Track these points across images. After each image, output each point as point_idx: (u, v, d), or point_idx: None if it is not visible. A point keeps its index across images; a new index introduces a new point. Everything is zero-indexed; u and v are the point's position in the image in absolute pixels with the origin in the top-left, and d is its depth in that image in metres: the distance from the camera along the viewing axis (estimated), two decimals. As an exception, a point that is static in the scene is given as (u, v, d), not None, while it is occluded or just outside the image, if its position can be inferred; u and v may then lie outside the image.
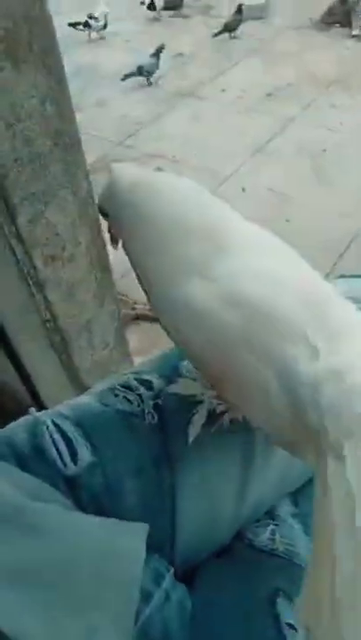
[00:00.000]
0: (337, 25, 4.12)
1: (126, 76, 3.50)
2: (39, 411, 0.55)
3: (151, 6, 4.38)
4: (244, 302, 0.39)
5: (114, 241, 0.52)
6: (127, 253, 0.47)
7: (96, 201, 1.04)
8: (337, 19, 4.13)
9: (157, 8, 4.41)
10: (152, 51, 3.51)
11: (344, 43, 3.90)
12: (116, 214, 0.47)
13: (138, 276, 0.46)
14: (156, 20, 4.49)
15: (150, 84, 3.57)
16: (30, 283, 1.02)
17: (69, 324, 1.10)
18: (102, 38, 4.15)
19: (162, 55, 3.51)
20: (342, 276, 0.71)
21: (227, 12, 4.31)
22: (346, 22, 4.08)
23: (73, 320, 1.11)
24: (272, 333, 0.38)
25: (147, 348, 1.70)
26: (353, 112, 3.10)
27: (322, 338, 0.37)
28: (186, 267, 0.41)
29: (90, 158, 3.21)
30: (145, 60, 3.50)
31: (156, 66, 3.51)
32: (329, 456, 0.34)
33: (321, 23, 4.17)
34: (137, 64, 3.47)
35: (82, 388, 1.18)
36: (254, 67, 3.62)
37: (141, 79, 3.54)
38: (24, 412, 0.56)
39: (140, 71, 3.48)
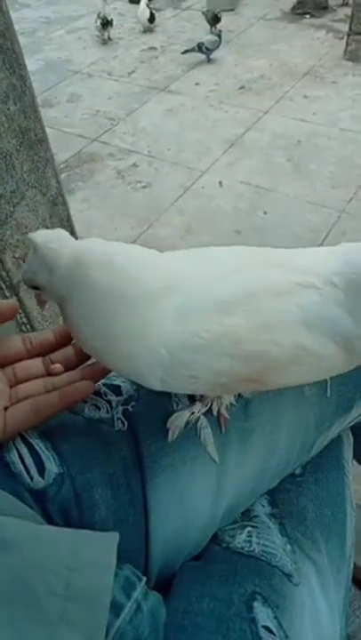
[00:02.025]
0: (307, 16, 4.13)
1: (186, 51, 3.55)
2: None
3: None
4: (238, 301, 0.41)
5: (41, 304, 0.49)
6: (66, 318, 0.45)
7: (66, 203, 1.03)
8: (307, 9, 4.14)
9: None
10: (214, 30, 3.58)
11: (315, 33, 3.91)
12: (53, 287, 0.43)
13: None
14: (123, 14, 4.44)
15: (210, 60, 3.58)
16: (3, 286, 1.00)
17: (46, 327, 1.08)
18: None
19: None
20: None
21: (199, 6, 4.30)
22: (316, 13, 4.09)
23: (49, 323, 1.09)
24: (280, 301, 0.41)
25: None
26: (325, 102, 3.11)
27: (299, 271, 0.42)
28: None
29: (65, 155, 3.19)
30: (206, 36, 3.53)
31: (218, 43, 3.50)
32: None
33: (292, 14, 4.17)
34: (198, 41, 3.53)
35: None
36: (226, 59, 3.61)
37: (202, 56, 3.57)
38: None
39: (200, 48, 3.50)
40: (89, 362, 0.51)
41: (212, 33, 3.57)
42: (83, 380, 0.48)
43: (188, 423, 0.50)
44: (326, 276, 0.42)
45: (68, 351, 0.51)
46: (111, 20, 3.88)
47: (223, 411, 0.51)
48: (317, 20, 4.08)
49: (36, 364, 0.50)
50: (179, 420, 0.50)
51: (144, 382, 0.43)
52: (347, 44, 3.47)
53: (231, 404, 0.52)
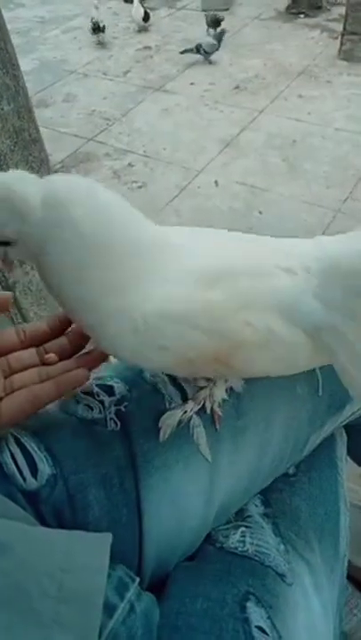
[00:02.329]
0: (302, 15, 4.13)
1: (185, 51, 3.57)
2: None
3: None
4: (220, 276, 0.41)
5: (8, 266, 0.46)
6: (49, 277, 0.41)
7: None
8: (302, 9, 4.14)
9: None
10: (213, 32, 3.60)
11: (309, 33, 3.92)
12: (25, 239, 0.39)
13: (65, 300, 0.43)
14: (117, 14, 4.44)
15: (210, 62, 3.59)
16: (-1, 287, 1.00)
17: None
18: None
19: (223, 39, 3.55)
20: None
21: (194, 5, 4.30)
22: (310, 12, 4.10)
23: (45, 322, 1.09)
24: (259, 282, 0.42)
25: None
26: (320, 102, 3.12)
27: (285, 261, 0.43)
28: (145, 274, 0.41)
29: (61, 155, 3.19)
30: (204, 39, 3.54)
31: (216, 47, 3.52)
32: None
33: (286, 14, 4.18)
34: (196, 42, 3.55)
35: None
36: (221, 59, 3.61)
37: (199, 57, 3.59)
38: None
39: (198, 49, 3.52)
40: (84, 350, 0.51)
41: (211, 35, 3.57)
42: (78, 369, 0.48)
43: (180, 422, 0.50)
44: (305, 263, 0.43)
45: (62, 341, 0.50)
46: (103, 26, 3.84)
47: (216, 408, 0.51)
48: (312, 19, 4.09)
49: (29, 355, 0.50)
50: (171, 419, 0.50)
51: (116, 350, 0.42)
52: (341, 44, 3.48)
53: (224, 400, 0.52)
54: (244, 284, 0.42)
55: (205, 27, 3.76)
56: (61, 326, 0.50)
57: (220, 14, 3.69)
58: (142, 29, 4.13)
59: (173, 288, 0.40)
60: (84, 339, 0.50)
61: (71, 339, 0.50)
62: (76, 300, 0.41)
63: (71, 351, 0.50)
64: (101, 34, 3.89)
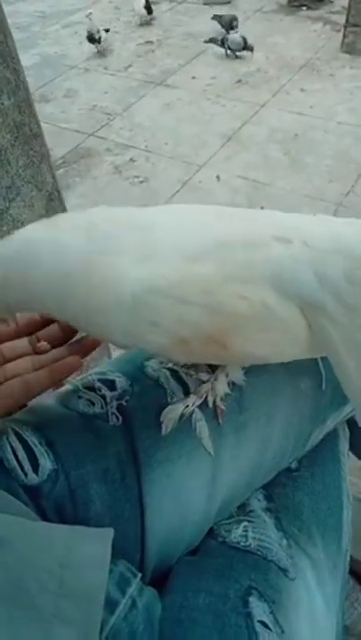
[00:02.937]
0: (304, 8, 4.10)
1: (210, 40, 3.53)
2: None
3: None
4: (210, 249, 0.41)
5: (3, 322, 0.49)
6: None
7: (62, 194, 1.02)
8: (304, 1, 4.11)
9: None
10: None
11: (312, 26, 3.89)
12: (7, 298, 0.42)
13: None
14: (119, 8, 4.41)
15: (228, 56, 3.56)
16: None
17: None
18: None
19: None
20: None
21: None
22: (313, 5, 4.07)
23: (46, 318, 1.09)
24: (253, 253, 0.41)
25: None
26: (322, 95, 3.10)
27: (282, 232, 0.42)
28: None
29: (62, 151, 3.19)
30: (232, 35, 3.50)
31: (242, 46, 3.46)
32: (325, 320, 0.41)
33: (288, 6, 4.15)
34: (224, 37, 3.50)
35: (60, 386, 1.16)
36: (223, 53, 3.59)
37: (221, 49, 3.55)
38: (10, 414, 0.55)
39: (223, 43, 3.48)
40: (76, 337, 0.51)
41: (238, 33, 3.52)
42: (70, 356, 0.48)
43: (182, 416, 0.50)
44: (303, 236, 0.42)
45: (54, 328, 0.50)
46: (99, 37, 3.69)
47: (219, 402, 0.51)
48: (314, 12, 4.06)
49: (22, 344, 0.50)
50: (172, 414, 0.50)
51: (107, 333, 0.42)
52: (344, 37, 3.46)
53: (227, 394, 0.51)
54: (237, 255, 0.41)
55: (209, 21, 3.74)
56: None
57: (232, 14, 3.64)
58: (144, 23, 4.11)
59: (161, 262, 0.40)
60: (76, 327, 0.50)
61: (63, 326, 0.50)
62: (61, 301, 0.42)
63: (63, 339, 0.50)
64: (97, 44, 3.73)
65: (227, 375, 0.51)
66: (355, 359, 0.42)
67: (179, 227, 0.42)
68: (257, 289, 0.40)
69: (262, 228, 0.43)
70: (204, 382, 0.52)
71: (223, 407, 0.51)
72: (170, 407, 0.50)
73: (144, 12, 4.03)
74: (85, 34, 3.71)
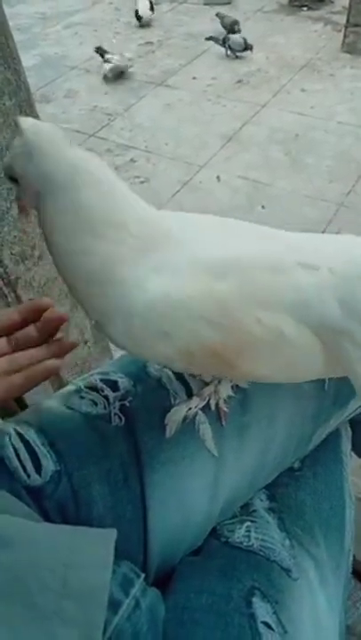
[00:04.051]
0: (305, 8, 4.10)
1: (211, 38, 3.51)
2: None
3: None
4: (231, 268, 0.40)
5: (23, 211, 0.46)
6: (45, 228, 0.42)
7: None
8: (305, 1, 4.11)
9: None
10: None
11: (312, 26, 3.89)
12: (35, 180, 0.40)
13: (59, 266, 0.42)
14: (119, 9, 4.41)
15: (228, 56, 3.54)
16: (1, 283, 1.00)
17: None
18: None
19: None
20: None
21: (194, -1, 4.27)
22: (313, 5, 4.06)
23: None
24: (275, 278, 0.40)
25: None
26: (323, 95, 3.09)
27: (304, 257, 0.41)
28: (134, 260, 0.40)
29: (60, 152, 3.14)
30: (233, 36, 3.49)
31: (243, 47, 3.45)
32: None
33: (289, 6, 4.14)
34: (225, 36, 3.50)
35: (62, 386, 1.16)
36: (223, 53, 3.59)
37: (222, 49, 3.54)
38: (11, 415, 0.55)
39: (225, 42, 3.47)
40: (57, 336, 0.51)
41: (239, 34, 3.52)
42: (50, 359, 0.47)
43: (185, 418, 0.50)
44: (329, 263, 0.41)
45: (31, 330, 0.50)
46: (122, 72, 3.42)
47: (222, 404, 0.51)
48: (315, 12, 4.05)
49: (0, 344, 0.49)
50: (176, 416, 0.50)
51: (106, 327, 0.41)
52: (344, 37, 3.45)
53: (229, 396, 0.51)
54: (259, 278, 0.40)
55: (210, 21, 3.72)
56: (33, 315, 0.50)
57: (237, 26, 3.62)
58: (145, 24, 4.09)
59: (180, 274, 0.39)
60: (54, 328, 0.49)
61: (40, 327, 0.50)
62: (68, 261, 0.41)
63: (41, 340, 0.50)
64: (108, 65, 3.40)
65: (231, 379, 0.51)
66: None
67: (204, 240, 0.42)
68: (275, 315, 0.40)
69: (286, 251, 0.42)
70: (207, 384, 0.52)
71: (226, 409, 0.51)
72: (174, 409, 0.50)
73: (150, 12, 4.01)
74: (85, 33, 3.68)
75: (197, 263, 0.40)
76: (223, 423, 0.51)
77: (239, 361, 0.41)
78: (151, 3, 3.99)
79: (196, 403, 0.50)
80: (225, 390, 0.51)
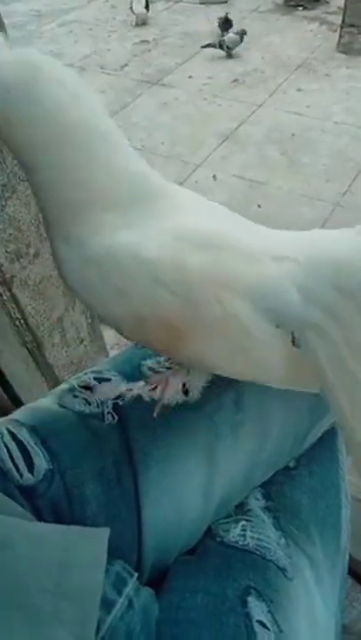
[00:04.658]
0: (300, 8, 4.10)
1: (207, 46, 3.52)
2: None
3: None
4: (200, 242, 0.40)
5: None
6: (19, 157, 0.39)
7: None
8: (300, 1, 4.11)
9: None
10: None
11: (308, 26, 3.89)
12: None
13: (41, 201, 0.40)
14: (115, 7, 4.41)
15: (231, 56, 3.55)
16: (-4, 281, 0.99)
17: (40, 322, 1.08)
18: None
19: (245, 38, 3.52)
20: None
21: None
22: (309, 5, 4.07)
23: (43, 317, 1.09)
24: (237, 262, 0.40)
25: (124, 340, 1.68)
26: (319, 95, 3.10)
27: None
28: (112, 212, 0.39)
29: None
30: (228, 34, 3.51)
31: (239, 42, 3.48)
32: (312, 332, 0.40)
33: (285, 6, 4.15)
34: (220, 39, 3.52)
35: (58, 384, 1.16)
36: (219, 52, 3.59)
37: (220, 52, 3.54)
38: (6, 413, 0.54)
39: (221, 45, 3.49)
40: None
41: (233, 32, 3.53)
42: None
43: (120, 396, 0.50)
44: (295, 254, 0.41)
45: None
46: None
47: (168, 395, 0.50)
48: (311, 12, 4.06)
49: None
50: (111, 391, 0.49)
51: (62, 265, 0.40)
52: (340, 37, 3.46)
53: (178, 393, 0.50)
54: (231, 260, 0.40)
55: (206, 20, 3.72)
56: None
57: (229, 15, 3.64)
58: (142, 23, 4.09)
59: (156, 235, 0.39)
60: None
61: None
62: (40, 186, 0.39)
63: None
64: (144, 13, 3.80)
65: (188, 372, 0.50)
66: (346, 387, 0.41)
67: (189, 212, 0.42)
68: (237, 300, 0.40)
69: (258, 241, 0.43)
70: (161, 373, 0.51)
71: (167, 402, 0.50)
72: (113, 384, 0.50)
73: (144, 11, 4.01)
74: (80, 31, 3.69)
75: (176, 230, 0.40)
76: (155, 415, 0.50)
77: (190, 337, 0.41)
78: (147, 1, 3.98)
79: (137, 387, 0.50)
80: (174, 386, 0.50)
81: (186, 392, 0.50)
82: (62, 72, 0.38)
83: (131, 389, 0.50)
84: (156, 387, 0.50)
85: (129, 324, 0.42)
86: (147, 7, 4.02)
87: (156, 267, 0.38)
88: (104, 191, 0.39)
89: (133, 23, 4.10)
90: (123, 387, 0.50)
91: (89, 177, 0.38)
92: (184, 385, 0.51)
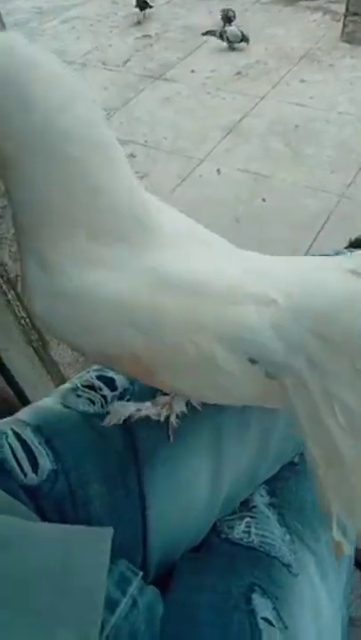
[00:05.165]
0: (303, -2, 4.06)
1: (207, 33, 3.51)
2: None
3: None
4: (179, 286, 0.38)
5: None
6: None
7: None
8: (303, -9, 4.07)
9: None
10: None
11: (311, 16, 3.85)
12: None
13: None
14: (116, 2, 4.38)
15: (233, 49, 3.53)
16: (0, 281, 1.00)
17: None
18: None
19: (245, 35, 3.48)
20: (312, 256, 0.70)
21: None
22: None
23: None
24: (216, 306, 0.38)
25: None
26: (323, 86, 3.07)
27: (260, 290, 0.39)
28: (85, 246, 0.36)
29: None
30: (230, 28, 3.48)
31: (240, 38, 3.45)
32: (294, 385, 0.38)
33: (287, -3, 4.11)
34: (221, 30, 3.49)
35: (64, 382, 1.16)
36: (221, 45, 3.56)
37: (221, 43, 3.52)
38: (13, 413, 0.54)
39: (222, 35, 3.46)
40: None
41: (236, 26, 3.51)
42: None
43: (129, 417, 0.49)
44: (274, 294, 0.38)
45: None
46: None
47: (173, 419, 0.50)
48: (313, 2, 4.01)
49: None
50: (120, 411, 0.49)
51: (27, 279, 0.38)
52: (344, 26, 3.42)
53: (183, 413, 0.50)
54: (205, 305, 0.38)
55: (207, 14, 3.69)
56: None
57: (231, 9, 3.60)
58: (137, 22, 4.01)
59: (135, 274, 0.36)
60: None
61: None
62: (18, 198, 0.36)
63: None
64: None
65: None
66: (321, 444, 0.39)
67: (179, 243, 0.40)
68: (213, 343, 0.38)
69: (242, 277, 0.40)
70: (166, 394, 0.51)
71: (175, 425, 0.50)
72: (122, 403, 0.49)
73: (136, 10, 3.92)
74: (83, 28, 3.66)
75: (157, 272, 0.37)
76: (172, 439, 0.50)
77: (160, 373, 0.40)
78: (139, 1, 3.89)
79: (145, 407, 0.50)
80: (178, 406, 0.50)
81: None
82: (51, 62, 0.35)
83: (140, 410, 0.50)
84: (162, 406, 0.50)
85: (96, 358, 0.41)
86: (142, 6, 3.92)
87: (131, 311, 0.37)
88: (93, 217, 0.36)
89: (135, 20, 4.06)
90: (132, 407, 0.49)
91: (79, 198, 0.35)
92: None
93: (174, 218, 0.43)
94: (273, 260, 0.42)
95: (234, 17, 3.57)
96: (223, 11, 3.62)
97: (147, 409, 0.50)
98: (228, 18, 3.56)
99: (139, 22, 3.98)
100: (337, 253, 0.66)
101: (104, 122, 0.36)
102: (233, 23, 3.54)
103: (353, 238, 0.71)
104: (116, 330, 0.37)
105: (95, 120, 0.35)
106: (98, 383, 0.53)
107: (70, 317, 0.38)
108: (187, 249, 0.40)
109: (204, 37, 3.57)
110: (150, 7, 3.94)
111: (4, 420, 0.50)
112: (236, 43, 3.47)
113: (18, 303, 1.09)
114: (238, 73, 3.30)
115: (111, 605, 0.38)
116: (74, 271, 0.36)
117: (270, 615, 0.44)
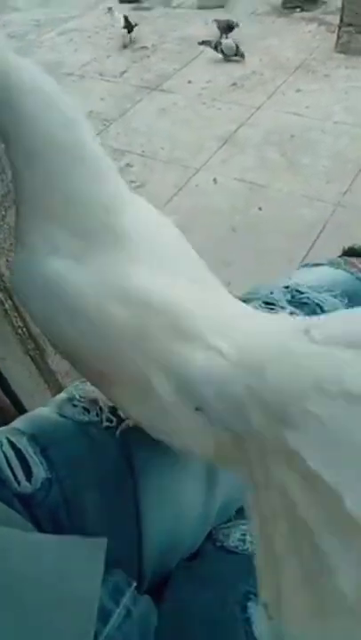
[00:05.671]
0: (298, 9, 4.11)
1: (203, 42, 3.55)
2: None
3: None
4: (137, 300, 0.37)
5: None
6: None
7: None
8: (298, 3, 4.12)
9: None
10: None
11: (306, 27, 3.90)
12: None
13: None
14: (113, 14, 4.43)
15: (229, 60, 3.55)
16: (-3, 290, 1.00)
17: (42, 330, 1.08)
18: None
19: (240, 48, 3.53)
20: (305, 265, 0.71)
21: (189, 3, 4.28)
22: (307, 6, 4.07)
23: (45, 325, 1.09)
24: (166, 334, 0.36)
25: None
26: (318, 96, 3.10)
27: (219, 335, 0.36)
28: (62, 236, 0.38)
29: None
30: (226, 41, 3.53)
31: (235, 52, 3.49)
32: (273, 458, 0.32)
33: (282, 8, 4.16)
34: (217, 41, 3.54)
35: (61, 391, 1.16)
36: (217, 56, 3.60)
37: (216, 54, 3.55)
38: (9, 422, 0.55)
39: (216, 47, 3.51)
40: None
41: (231, 38, 3.55)
42: None
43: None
44: (231, 346, 0.35)
45: None
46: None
47: None
48: (308, 13, 4.06)
49: None
50: None
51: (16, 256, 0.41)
52: (338, 37, 3.45)
53: None
54: (158, 332, 0.37)
55: (203, 25, 3.73)
56: None
57: (236, 22, 3.65)
58: (126, 44, 3.92)
59: (98, 275, 0.37)
60: None
61: None
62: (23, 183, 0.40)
63: None
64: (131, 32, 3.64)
65: None
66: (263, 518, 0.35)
67: (157, 261, 0.39)
68: (156, 373, 0.37)
69: (202, 314, 0.38)
70: None
71: None
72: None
73: (124, 31, 3.84)
74: (80, 40, 3.67)
75: (121, 281, 0.37)
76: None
77: (105, 385, 0.41)
78: (128, 22, 3.80)
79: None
80: None
81: None
82: (38, 77, 0.38)
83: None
84: None
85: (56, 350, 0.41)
86: (128, 27, 3.81)
87: (75, 310, 0.37)
88: (82, 218, 0.38)
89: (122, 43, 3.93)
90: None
91: (56, 196, 0.38)
92: None
93: (160, 233, 0.43)
94: (239, 307, 0.41)
95: (237, 25, 3.62)
96: (221, 21, 3.66)
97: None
98: (229, 27, 3.59)
99: (125, 46, 3.91)
100: (331, 262, 0.67)
101: (83, 126, 0.41)
102: (228, 35, 3.58)
103: (347, 247, 0.72)
104: (62, 322, 0.38)
105: (72, 123, 0.40)
106: (93, 389, 0.54)
107: (37, 300, 0.39)
108: (158, 265, 0.39)
109: (201, 48, 3.61)
110: (134, 27, 3.86)
111: (0, 428, 0.50)
112: (231, 56, 3.51)
113: (15, 313, 1.09)
114: (234, 84, 3.34)
115: (104, 616, 0.38)
116: (46, 255, 0.38)
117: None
